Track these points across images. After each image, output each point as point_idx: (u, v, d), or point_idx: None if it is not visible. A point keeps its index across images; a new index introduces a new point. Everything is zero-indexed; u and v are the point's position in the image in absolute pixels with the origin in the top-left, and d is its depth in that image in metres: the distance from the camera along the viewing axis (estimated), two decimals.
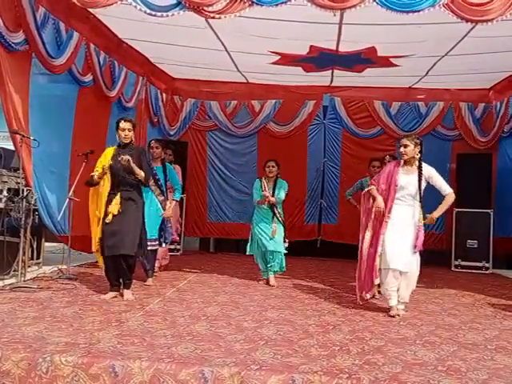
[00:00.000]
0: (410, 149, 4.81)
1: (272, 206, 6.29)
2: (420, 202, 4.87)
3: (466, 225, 8.47)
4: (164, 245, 6.20)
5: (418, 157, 4.85)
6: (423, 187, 4.87)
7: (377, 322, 4.56)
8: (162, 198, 6.02)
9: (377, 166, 6.50)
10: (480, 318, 4.89)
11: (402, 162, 4.92)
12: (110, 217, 4.86)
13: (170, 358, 3.25)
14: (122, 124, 5.03)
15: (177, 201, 6.33)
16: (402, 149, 4.86)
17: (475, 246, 8.42)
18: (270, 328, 4.17)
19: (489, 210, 8.44)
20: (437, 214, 4.87)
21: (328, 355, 3.49)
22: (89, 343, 3.47)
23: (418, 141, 4.86)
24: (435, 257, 8.54)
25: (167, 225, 6.05)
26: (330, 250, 9.34)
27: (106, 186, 4.99)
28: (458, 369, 3.31)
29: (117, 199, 4.91)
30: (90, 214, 5.11)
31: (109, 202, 4.92)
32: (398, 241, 4.79)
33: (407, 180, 4.84)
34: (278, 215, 6.37)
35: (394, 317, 4.75)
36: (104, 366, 3.12)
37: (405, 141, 4.86)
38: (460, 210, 8.49)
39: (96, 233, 5.00)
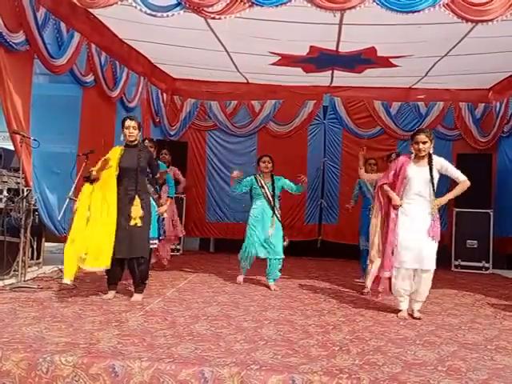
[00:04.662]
0: (428, 145, 4.76)
1: (270, 203, 6.05)
2: (434, 193, 4.79)
3: (466, 225, 8.47)
4: (157, 241, 6.37)
5: (430, 151, 4.81)
6: (436, 179, 4.80)
7: (377, 322, 4.57)
8: (156, 195, 6.21)
9: (373, 164, 6.68)
10: (480, 318, 4.89)
11: (413, 156, 4.85)
12: (137, 221, 4.87)
13: (170, 358, 3.25)
14: (128, 122, 5.04)
15: (171, 198, 6.64)
16: (421, 146, 4.74)
17: (475, 246, 8.42)
18: (270, 328, 4.18)
19: (489, 210, 8.44)
20: (445, 199, 4.81)
21: (328, 355, 3.49)
22: (89, 343, 3.48)
23: (432, 136, 4.86)
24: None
25: (162, 221, 6.35)
26: (330, 250, 9.34)
27: (110, 185, 4.92)
28: (457, 369, 3.31)
29: (137, 201, 4.90)
30: (77, 218, 4.83)
31: (121, 202, 4.89)
32: (415, 239, 4.73)
33: (418, 172, 4.78)
34: (277, 213, 6.10)
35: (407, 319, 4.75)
36: (104, 366, 3.13)
37: (423, 137, 4.76)
38: (460, 210, 8.50)
39: (103, 242, 4.79)
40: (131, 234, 4.89)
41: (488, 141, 9.08)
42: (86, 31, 6.43)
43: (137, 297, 5.04)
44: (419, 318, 4.74)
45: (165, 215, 6.40)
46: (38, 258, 6.43)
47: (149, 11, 5.00)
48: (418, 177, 4.78)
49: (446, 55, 7.06)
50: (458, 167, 8.80)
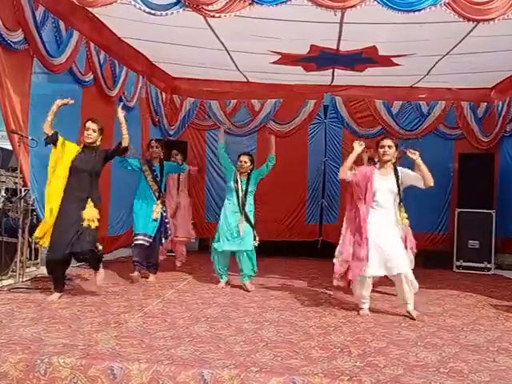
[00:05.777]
0: (393, 151, 4.83)
1: (239, 200, 6.02)
2: (400, 204, 4.84)
3: (468, 225, 8.41)
4: (164, 240, 6.35)
5: (394, 160, 4.86)
6: (402, 189, 4.85)
7: (378, 324, 4.54)
8: (158, 193, 6.23)
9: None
10: (482, 320, 4.86)
11: (379, 164, 4.90)
12: (91, 223, 4.79)
13: (169, 359, 3.22)
14: (88, 123, 5.07)
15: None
16: (386, 149, 4.81)
17: (477, 246, 8.37)
18: (270, 329, 4.15)
19: (491, 211, 8.37)
20: (419, 159, 4.68)
21: (329, 357, 3.46)
22: (87, 345, 3.45)
23: (398, 145, 4.92)
24: (437, 258, 8.51)
25: (165, 220, 6.30)
26: (331, 251, 9.25)
27: (59, 183, 4.96)
28: (459, 370, 3.29)
29: (90, 204, 4.85)
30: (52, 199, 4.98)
31: (68, 201, 4.87)
32: (381, 246, 4.72)
33: (382, 184, 4.80)
34: (247, 211, 5.98)
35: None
36: (102, 368, 3.11)
37: (389, 142, 4.86)
38: (462, 210, 8.45)
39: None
40: (79, 232, 4.76)
41: (490, 140, 9.04)
42: (85, 30, 6.40)
43: (99, 277, 5.00)
44: (415, 318, 4.70)
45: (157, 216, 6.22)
46: (35, 258, 6.42)
47: (148, 9, 4.96)
48: (383, 188, 4.81)
49: (447, 54, 7.02)
50: (460, 167, 8.92)
